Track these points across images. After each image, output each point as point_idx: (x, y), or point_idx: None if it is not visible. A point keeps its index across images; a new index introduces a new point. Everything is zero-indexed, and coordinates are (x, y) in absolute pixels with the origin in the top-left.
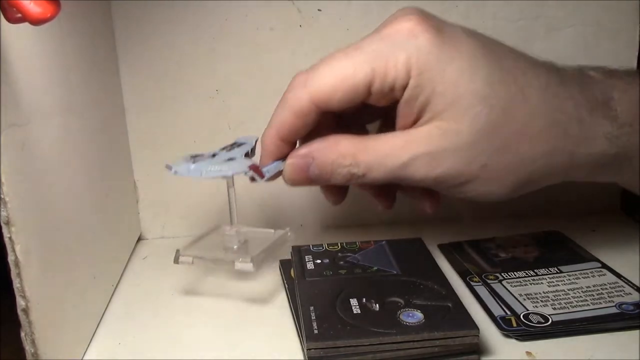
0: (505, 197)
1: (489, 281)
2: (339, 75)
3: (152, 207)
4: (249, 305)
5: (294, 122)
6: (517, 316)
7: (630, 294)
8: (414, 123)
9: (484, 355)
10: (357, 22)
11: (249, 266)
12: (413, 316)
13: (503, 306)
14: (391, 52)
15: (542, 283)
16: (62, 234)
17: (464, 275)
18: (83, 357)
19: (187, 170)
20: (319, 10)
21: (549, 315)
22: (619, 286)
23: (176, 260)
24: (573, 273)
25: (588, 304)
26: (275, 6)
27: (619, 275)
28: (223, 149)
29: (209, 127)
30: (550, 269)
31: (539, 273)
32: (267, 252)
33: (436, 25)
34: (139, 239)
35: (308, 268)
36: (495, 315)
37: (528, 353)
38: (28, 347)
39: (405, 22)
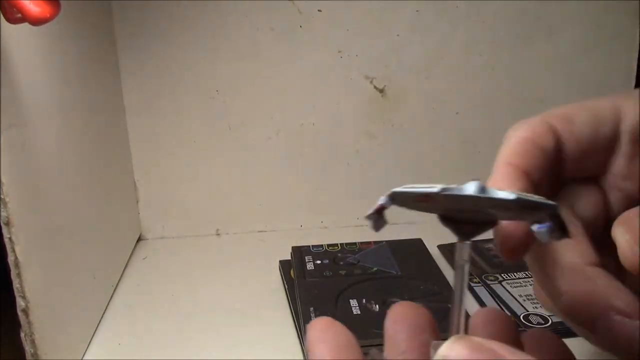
0: None
1: (488, 282)
2: (581, 105)
3: (152, 207)
4: (249, 305)
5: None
6: (517, 317)
7: None
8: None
9: None
10: (357, 22)
11: None
12: None
13: (503, 307)
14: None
15: None
16: (62, 233)
17: None
18: (83, 357)
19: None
20: (319, 10)
21: (548, 316)
22: None
23: None
24: None
25: None
26: (275, 6)
27: None
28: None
29: (209, 127)
30: None
31: None
32: None
33: None
34: (139, 239)
35: (308, 268)
36: None
37: None
38: (28, 347)
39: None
